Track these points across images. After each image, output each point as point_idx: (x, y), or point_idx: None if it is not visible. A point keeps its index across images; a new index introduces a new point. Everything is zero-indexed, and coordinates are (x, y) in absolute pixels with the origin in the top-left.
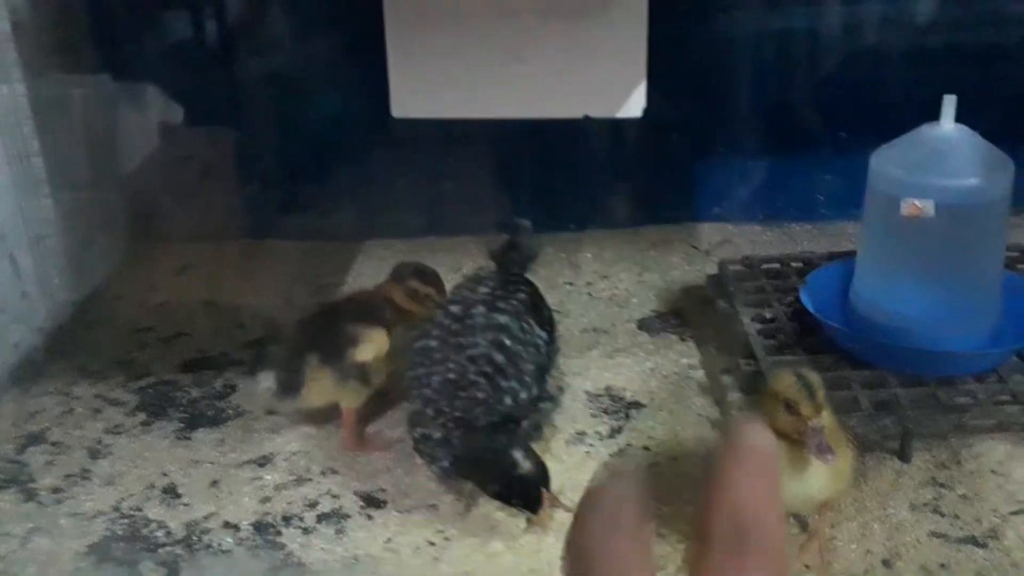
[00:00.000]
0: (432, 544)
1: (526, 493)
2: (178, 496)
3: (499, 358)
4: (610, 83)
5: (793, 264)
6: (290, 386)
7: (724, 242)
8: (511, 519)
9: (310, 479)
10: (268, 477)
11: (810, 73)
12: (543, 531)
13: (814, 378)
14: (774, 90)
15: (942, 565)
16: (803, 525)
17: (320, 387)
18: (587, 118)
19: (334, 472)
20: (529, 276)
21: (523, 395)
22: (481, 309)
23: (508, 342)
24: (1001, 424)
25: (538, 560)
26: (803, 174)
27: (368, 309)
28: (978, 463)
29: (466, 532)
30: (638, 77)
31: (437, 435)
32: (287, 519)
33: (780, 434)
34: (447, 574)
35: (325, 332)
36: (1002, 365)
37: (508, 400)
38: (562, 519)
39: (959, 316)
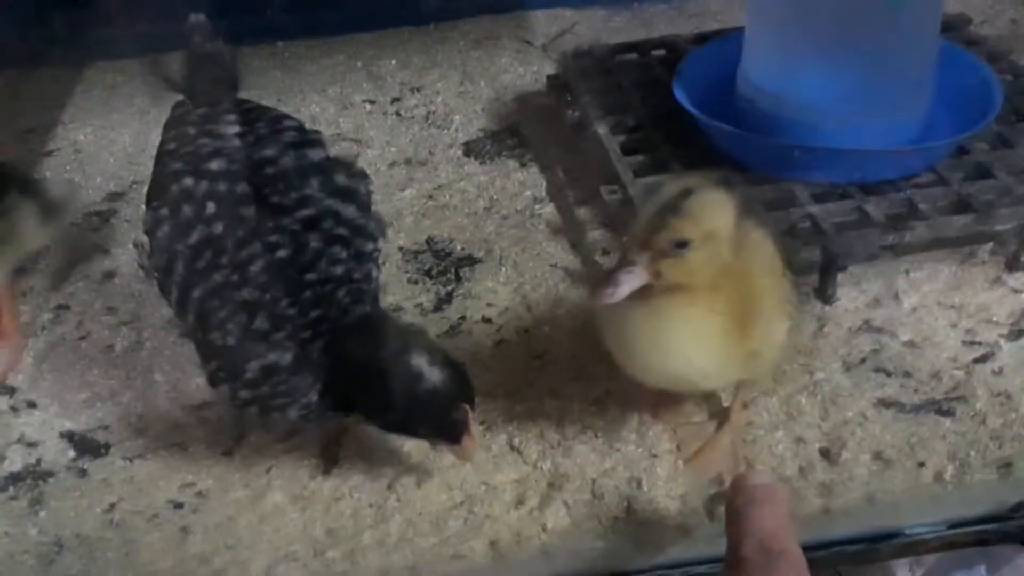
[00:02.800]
0: (178, 506)
1: (441, 418)
2: None
3: (350, 212)
4: None
5: (654, 53)
6: None
7: (564, 33)
8: (298, 462)
9: None
10: None
11: None
12: (335, 473)
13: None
14: None
15: (903, 451)
16: (720, 417)
17: None
18: None
19: (31, 406)
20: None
21: (382, 262)
22: (274, 150)
23: (349, 184)
24: (943, 240)
25: (338, 515)
26: None
27: None
28: (921, 295)
29: (229, 483)
30: None
31: (288, 359)
32: None
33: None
34: (199, 554)
35: None
36: (940, 163)
37: (375, 273)
38: (375, 439)
39: (884, 101)
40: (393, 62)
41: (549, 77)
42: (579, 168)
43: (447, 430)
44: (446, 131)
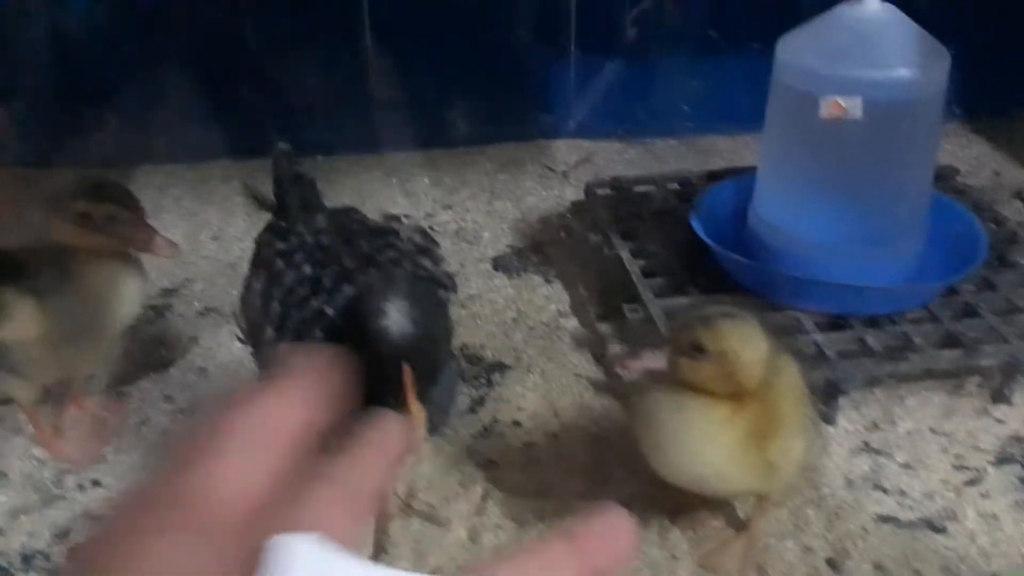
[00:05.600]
0: None
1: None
2: None
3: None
4: None
5: (669, 186)
6: None
7: (582, 162)
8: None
9: (62, 496)
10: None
11: None
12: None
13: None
14: None
15: (900, 562)
16: (736, 525)
17: None
18: None
19: (96, 484)
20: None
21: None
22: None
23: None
24: (934, 371)
25: None
26: (665, 80)
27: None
28: (914, 421)
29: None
30: None
31: None
32: (27, 558)
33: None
34: None
35: None
36: (932, 301)
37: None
38: (417, 529)
39: (882, 241)
40: (426, 180)
41: (573, 203)
42: (599, 286)
43: None
44: (475, 246)
